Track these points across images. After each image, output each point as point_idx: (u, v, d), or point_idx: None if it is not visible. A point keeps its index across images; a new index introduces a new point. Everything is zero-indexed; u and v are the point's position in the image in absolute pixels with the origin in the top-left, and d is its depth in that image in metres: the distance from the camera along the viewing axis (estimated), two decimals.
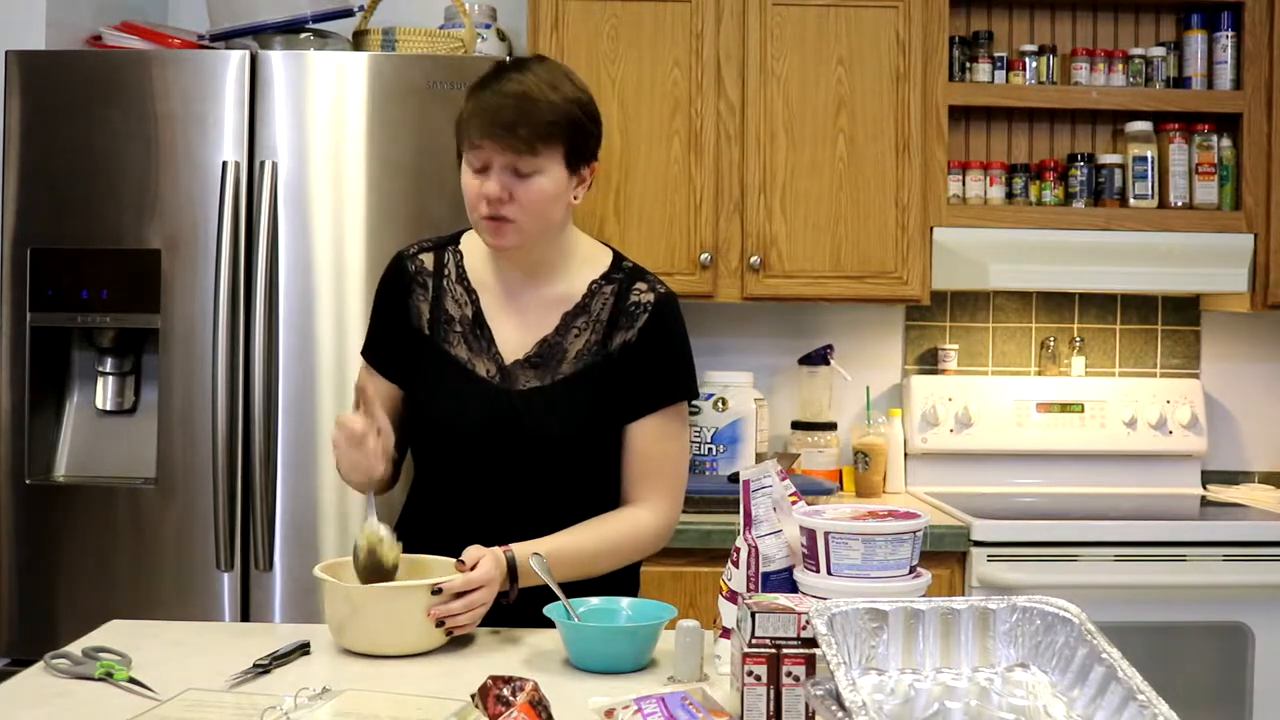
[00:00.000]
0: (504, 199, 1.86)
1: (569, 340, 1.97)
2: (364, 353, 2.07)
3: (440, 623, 1.73)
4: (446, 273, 2.02)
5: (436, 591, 1.73)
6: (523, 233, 1.90)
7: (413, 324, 2.00)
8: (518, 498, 1.96)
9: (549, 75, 1.89)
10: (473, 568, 1.76)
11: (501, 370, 1.96)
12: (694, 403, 3.18)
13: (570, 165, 1.90)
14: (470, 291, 2.00)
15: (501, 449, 1.95)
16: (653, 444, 1.99)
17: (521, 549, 1.84)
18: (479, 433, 1.95)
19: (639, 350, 1.97)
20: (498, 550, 1.81)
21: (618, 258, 2.04)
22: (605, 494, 2.00)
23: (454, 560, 1.80)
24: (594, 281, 2.00)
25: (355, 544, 1.84)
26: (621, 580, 2.00)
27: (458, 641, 1.79)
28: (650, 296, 1.99)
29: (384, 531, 1.84)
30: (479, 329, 1.98)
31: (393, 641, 1.73)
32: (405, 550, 1.90)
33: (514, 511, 1.95)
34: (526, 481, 1.96)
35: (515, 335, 1.98)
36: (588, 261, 2.01)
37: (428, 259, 2.03)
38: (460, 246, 2.04)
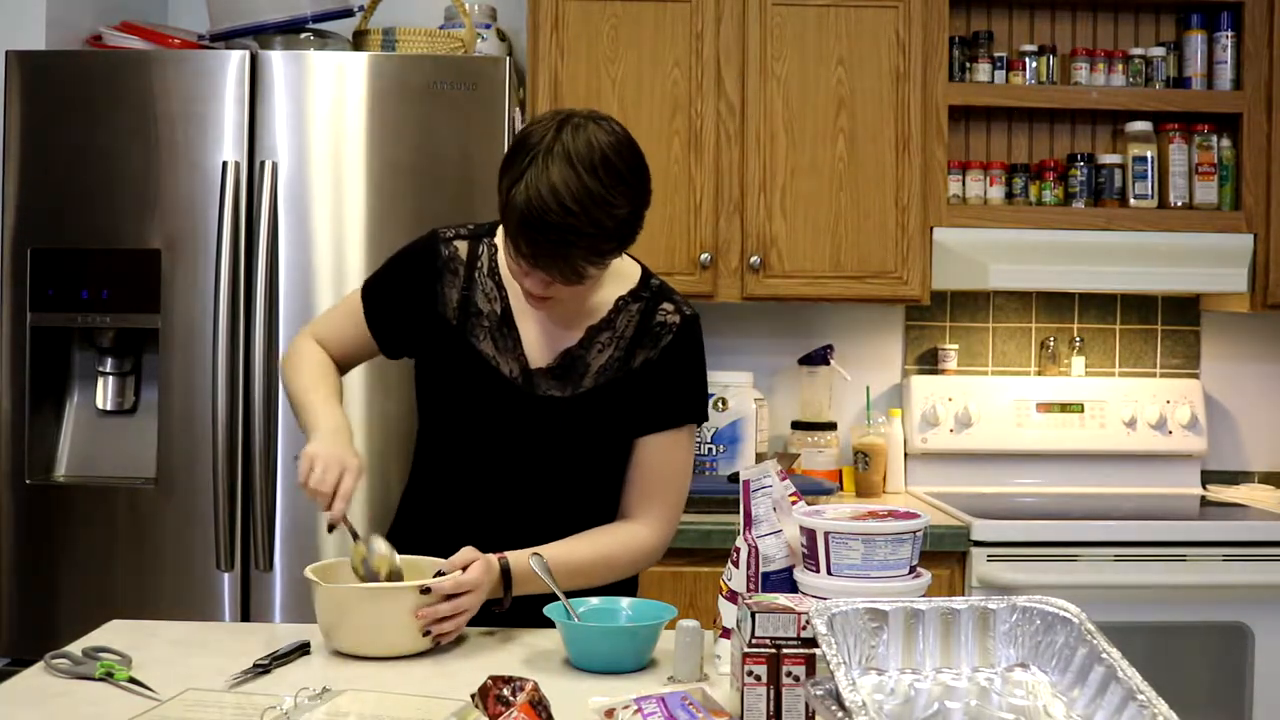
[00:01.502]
0: (548, 292, 1.86)
1: (592, 354, 1.96)
2: (364, 294, 2.03)
3: (426, 631, 1.73)
4: (479, 265, 1.99)
5: (426, 592, 1.73)
6: (566, 304, 1.92)
7: (438, 310, 1.98)
8: (520, 501, 1.95)
9: (599, 181, 1.75)
10: (464, 569, 1.76)
11: (525, 373, 1.95)
12: None
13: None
14: (500, 287, 1.98)
15: (515, 451, 1.95)
16: (660, 461, 1.99)
17: (516, 556, 1.83)
18: (497, 432, 1.95)
19: (660, 368, 1.97)
20: (491, 557, 1.81)
21: (646, 274, 2.03)
22: (605, 504, 2.00)
23: (442, 562, 1.80)
24: (621, 298, 1.98)
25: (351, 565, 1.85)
26: (622, 581, 2.00)
27: (457, 641, 1.79)
28: (676, 318, 1.99)
29: (377, 545, 1.84)
30: (506, 327, 1.96)
31: (377, 643, 1.72)
32: (401, 550, 1.89)
33: (513, 515, 1.95)
34: (532, 486, 1.96)
35: (539, 340, 1.96)
36: (616, 276, 1.98)
37: (462, 247, 2.00)
38: (495, 240, 2.01)
